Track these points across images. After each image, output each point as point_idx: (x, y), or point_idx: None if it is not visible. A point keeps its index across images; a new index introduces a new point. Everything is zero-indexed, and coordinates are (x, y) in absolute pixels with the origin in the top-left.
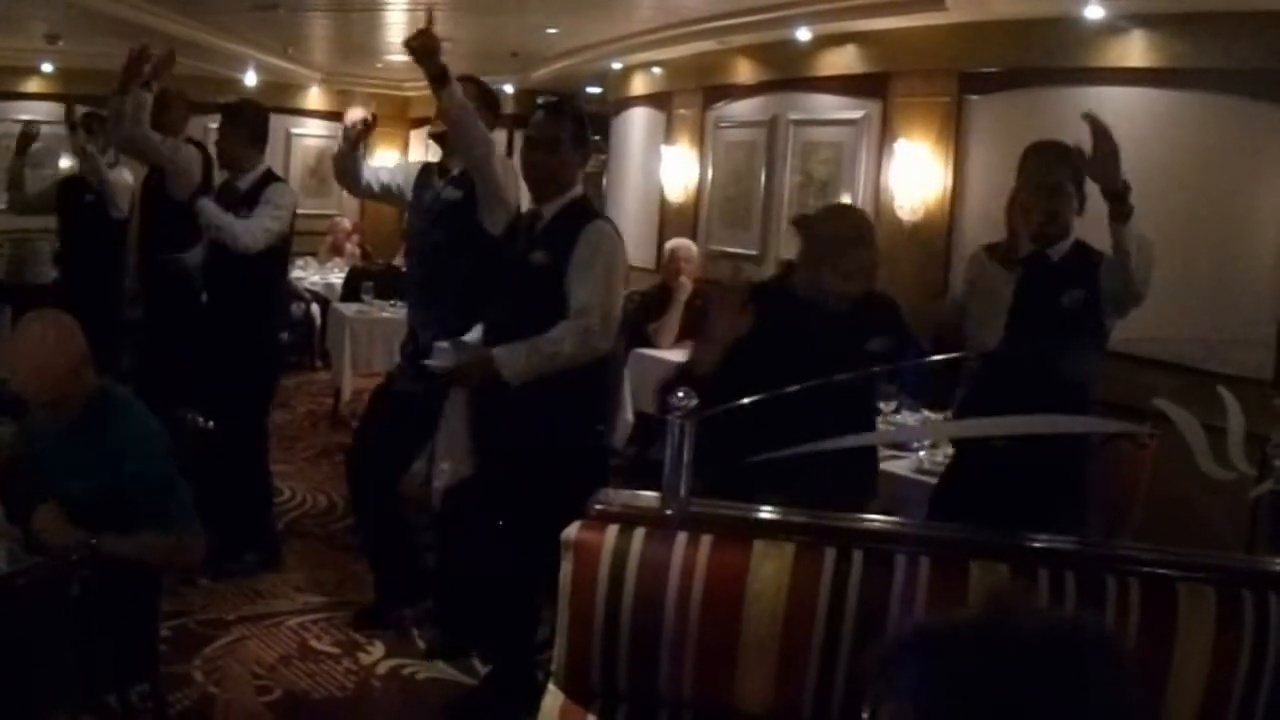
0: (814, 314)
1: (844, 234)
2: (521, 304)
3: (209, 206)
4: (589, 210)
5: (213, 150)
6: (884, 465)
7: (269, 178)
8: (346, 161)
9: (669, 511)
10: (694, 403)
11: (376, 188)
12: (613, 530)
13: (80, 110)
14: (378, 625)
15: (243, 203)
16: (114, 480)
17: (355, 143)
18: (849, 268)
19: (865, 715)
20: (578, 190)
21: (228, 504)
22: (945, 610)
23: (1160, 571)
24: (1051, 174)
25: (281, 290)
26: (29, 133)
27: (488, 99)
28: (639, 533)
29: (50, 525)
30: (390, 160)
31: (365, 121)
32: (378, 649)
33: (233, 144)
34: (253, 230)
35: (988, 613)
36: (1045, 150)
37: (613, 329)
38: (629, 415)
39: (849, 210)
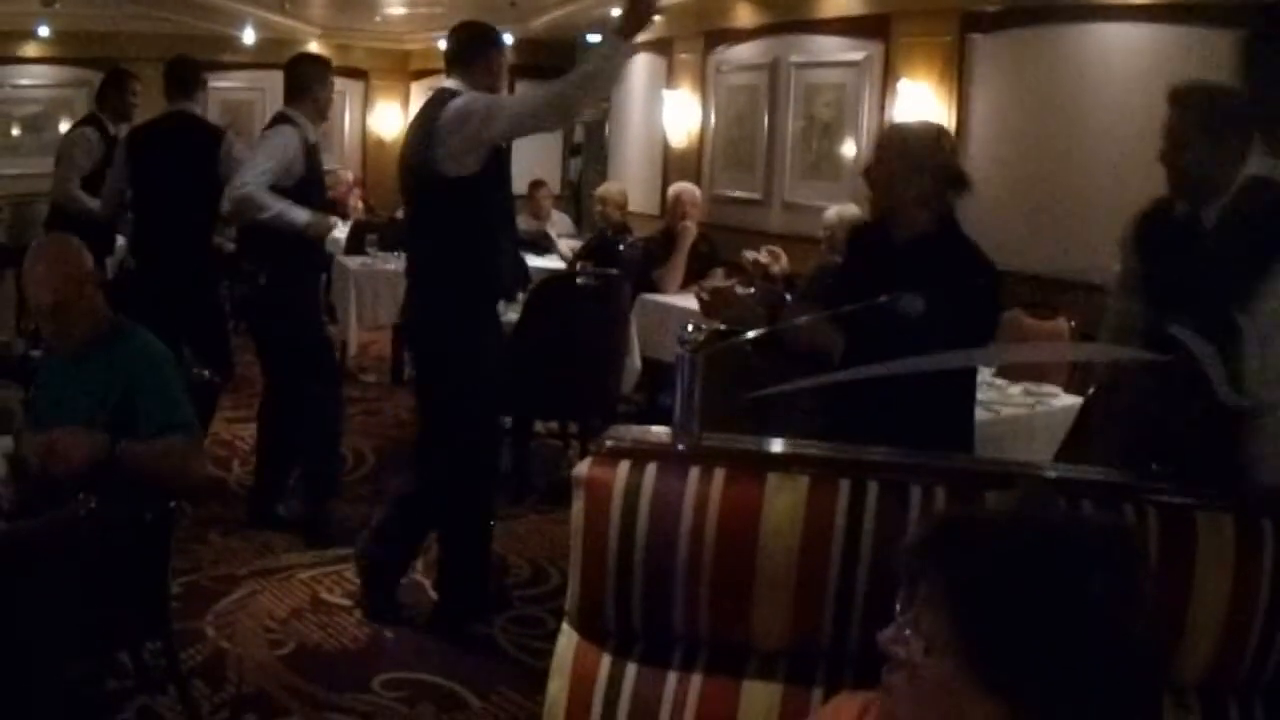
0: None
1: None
2: (415, 211)
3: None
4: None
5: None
6: None
7: (278, 119)
8: None
9: (681, 446)
10: (703, 336)
11: None
12: (624, 466)
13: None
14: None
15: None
16: (123, 399)
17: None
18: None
19: (898, 605)
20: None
21: (308, 451)
22: (969, 504)
23: (1178, 500)
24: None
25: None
26: None
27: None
28: (651, 468)
29: (69, 439)
30: (393, 113)
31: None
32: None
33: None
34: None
35: (1016, 506)
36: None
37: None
38: (636, 362)
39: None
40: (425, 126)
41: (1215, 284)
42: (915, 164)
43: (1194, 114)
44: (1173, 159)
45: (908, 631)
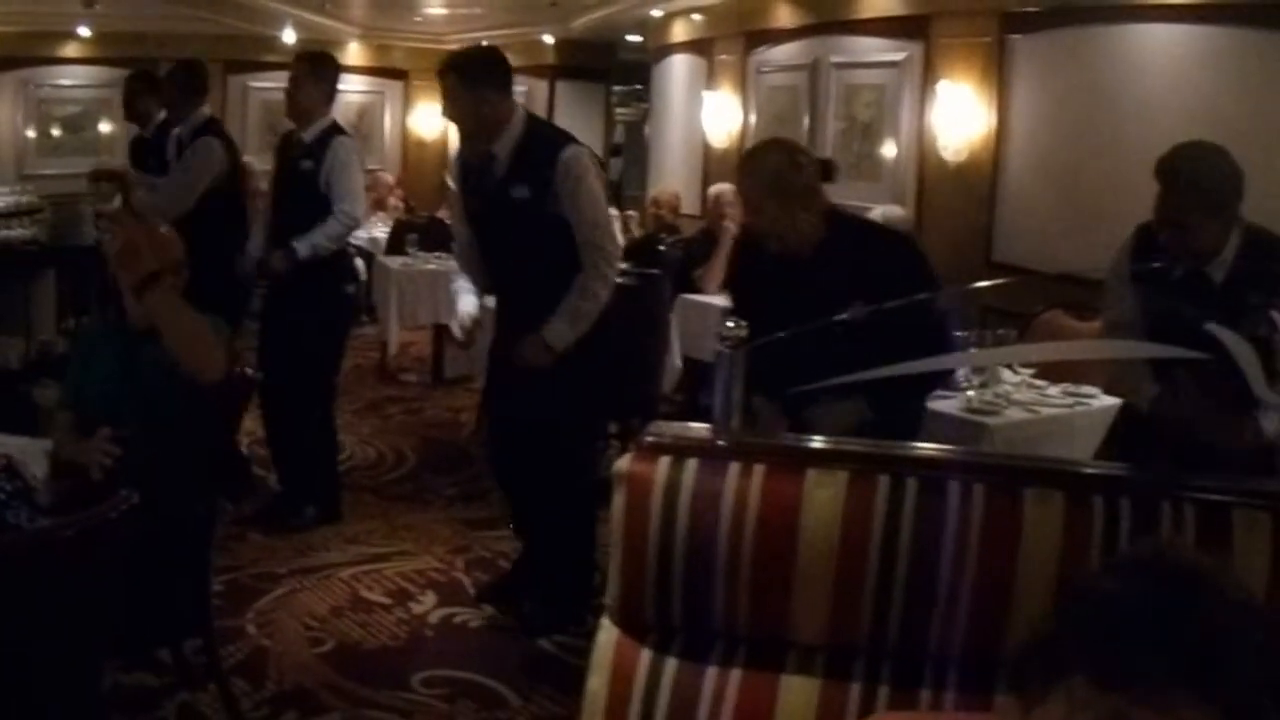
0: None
1: None
2: (518, 243)
3: (307, 248)
4: (552, 136)
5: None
6: (933, 405)
7: (333, 130)
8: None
9: (721, 442)
10: (743, 332)
11: None
12: (665, 461)
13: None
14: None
15: (307, 154)
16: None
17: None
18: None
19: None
20: (521, 117)
21: (290, 456)
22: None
23: (1215, 497)
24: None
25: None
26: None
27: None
28: (691, 464)
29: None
30: (433, 114)
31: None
32: (429, 598)
33: (308, 96)
34: (346, 211)
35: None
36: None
37: (619, 247)
38: (677, 361)
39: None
40: (537, 168)
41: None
42: (780, 195)
43: (1190, 197)
44: (1176, 237)
45: None
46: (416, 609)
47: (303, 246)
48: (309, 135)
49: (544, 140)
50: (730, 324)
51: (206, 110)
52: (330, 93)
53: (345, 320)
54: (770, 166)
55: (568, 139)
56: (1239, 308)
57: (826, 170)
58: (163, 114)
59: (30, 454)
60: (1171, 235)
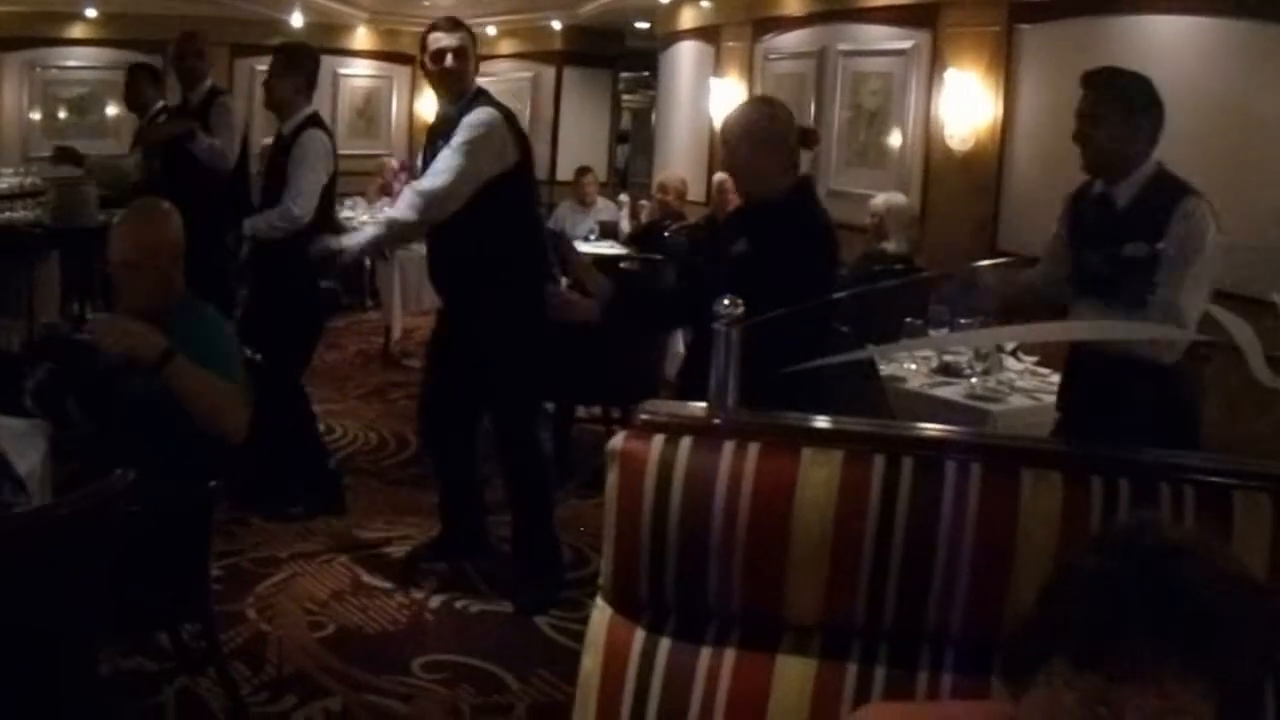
0: None
1: None
2: None
3: (248, 227)
4: (483, 103)
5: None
6: (936, 391)
7: (307, 123)
8: None
9: (716, 420)
10: (740, 310)
11: None
12: (659, 440)
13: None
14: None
15: (284, 149)
16: None
17: None
18: None
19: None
20: (473, 88)
21: (277, 447)
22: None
23: (1215, 480)
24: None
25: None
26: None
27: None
28: (686, 442)
29: (130, 324)
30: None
31: None
32: (430, 583)
33: (284, 88)
34: (288, 208)
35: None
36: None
37: (446, 203)
38: (680, 346)
39: None
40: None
41: (1125, 262)
42: (752, 139)
43: (1108, 93)
44: (1087, 137)
45: None
46: (417, 594)
47: (247, 225)
48: (287, 129)
49: (475, 103)
50: (726, 302)
51: (209, 83)
52: (308, 85)
53: (319, 314)
54: (748, 112)
55: (494, 105)
56: (1132, 235)
57: (805, 137)
58: (160, 103)
59: (30, 437)
60: (1086, 137)
